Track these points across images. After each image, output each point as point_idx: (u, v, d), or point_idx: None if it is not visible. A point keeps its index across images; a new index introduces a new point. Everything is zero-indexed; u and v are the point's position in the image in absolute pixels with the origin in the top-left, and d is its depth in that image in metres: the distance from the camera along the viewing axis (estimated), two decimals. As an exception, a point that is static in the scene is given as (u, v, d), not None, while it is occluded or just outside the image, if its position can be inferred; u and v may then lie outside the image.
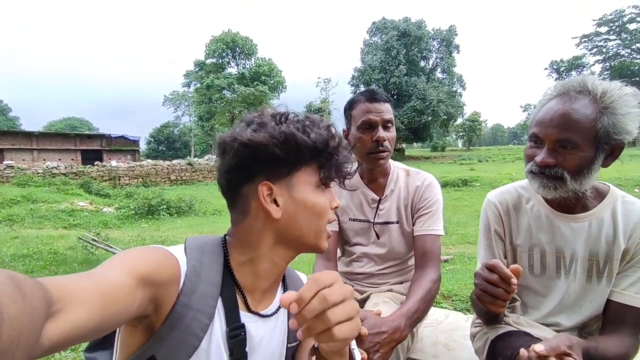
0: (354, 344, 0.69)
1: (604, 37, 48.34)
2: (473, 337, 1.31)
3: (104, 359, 0.75)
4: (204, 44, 47.38)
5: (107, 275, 0.53)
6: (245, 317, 0.73)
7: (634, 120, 0.93)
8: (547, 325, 1.14)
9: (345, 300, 0.52)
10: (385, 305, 1.33)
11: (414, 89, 37.85)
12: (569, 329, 1.11)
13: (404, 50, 39.47)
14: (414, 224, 1.44)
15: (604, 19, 46.94)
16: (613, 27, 46.93)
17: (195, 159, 24.99)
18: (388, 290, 1.48)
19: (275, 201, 0.71)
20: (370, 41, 43.45)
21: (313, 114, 0.78)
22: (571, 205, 1.07)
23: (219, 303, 0.70)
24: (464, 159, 33.28)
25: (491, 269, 0.85)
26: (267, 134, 0.69)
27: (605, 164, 0.99)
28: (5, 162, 17.25)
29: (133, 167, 19.53)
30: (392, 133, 1.42)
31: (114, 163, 20.96)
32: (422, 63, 42.62)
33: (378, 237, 1.48)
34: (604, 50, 48.62)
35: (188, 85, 51.20)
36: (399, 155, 38.17)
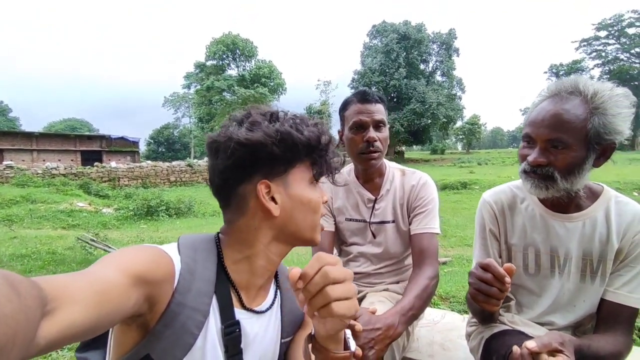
0: (348, 333, 0.71)
1: (603, 41, 48.61)
2: (468, 336, 1.32)
3: (96, 359, 0.76)
4: (204, 45, 47.62)
5: (102, 274, 0.53)
6: (239, 314, 0.74)
7: (625, 120, 0.95)
8: (542, 324, 1.15)
9: (345, 281, 0.56)
10: (380, 304, 1.34)
11: (413, 92, 37.92)
12: (563, 328, 1.12)
13: (404, 53, 39.57)
14: (410, 223, 1.45)
15: (603, 23, 47.22)
16: (612, 32, 47.19)
17: (195, 160, 25.00)
18: (384, 290, 1.49)
19: (273, 199, 0.72)
20: (370, 44, 43.57)
21: (302, 113, 0.80)
22: (565, 205, 1.09)
23: (214, 300, 0.70)
24: (464, 162, 33.32)
25: (485, 268, 0.85)
26: (263, 133, 0.69)
27: (596, 164, 1.00)
28: (4, 163, 17.25)
29: (132, 168, 19.51)
30: (383, 133, 1.42)
31: (113, 164, 20.97)
32: (422, 66, 42.71)
33: (374, 236, 1.49)
34: (603, 54, 48.85)
35: (188, 86, 51.31)
36: (399, 157, 38.19)
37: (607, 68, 48.25)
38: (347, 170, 1.59)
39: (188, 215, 11.32)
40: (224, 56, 46.76)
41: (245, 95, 36.62)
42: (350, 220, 1.52)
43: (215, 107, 42.70)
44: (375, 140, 1.38)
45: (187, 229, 9.10)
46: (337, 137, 1.53)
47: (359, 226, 1.52)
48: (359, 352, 0.70)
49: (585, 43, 49.75)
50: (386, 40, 39.80)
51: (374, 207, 1.49)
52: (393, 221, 1.48)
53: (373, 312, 1.11)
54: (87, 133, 42.87)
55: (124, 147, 34.75)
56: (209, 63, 47.50)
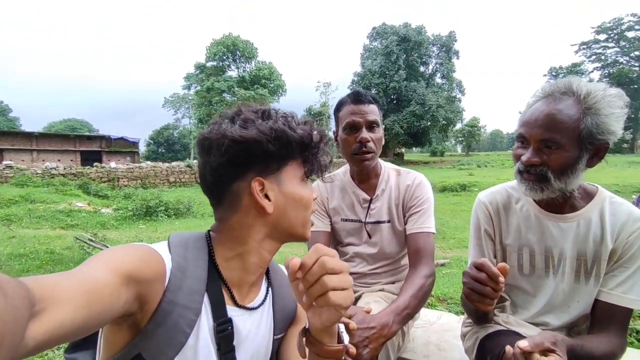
0: (342, 327, 0.71)
1: (603, 44, 48.74)
2: (463, 336, 1.32)
3: None
4: (204, 46, 47.75)
5: (91, 273, 0.53)
6: (231, 311, 0.74)
7: (618, 120, 0.95)
8: (536, 324, 1.15)
9: (341, 272, 0.57)
10: (376, 304, 1.34)
11: (413, 94, 38.00)
12: (558, 328, 1.12)
13: (404, 56, 39.66)
14: (405, 223, 1.45)
15: (602, 26, 47.35)
16: (612, 35, 47.32)
17: (195, 161, 24.94)
18: (380, 290, 1.49)
19: (266, 196, 0.72)
20: (370, 46, 43.69)
21: (292, 112, 0.80)
22: (560, 205, 1.09)
23: (205, 298, 0.70)
24: (463, 164, 33.38)
25: (479, 267, 0.86)
26: (257, 131, 0.69)
27: (590, 164, 1.00)
28: (4, 162, 17.22)
29: (132, 168, 19.49)
30: (377, 134, 1.42)
31: (113, 164, 20.95)
32: (422, 68, 42.83)
33: (370, 236, 1.49)
34: (603, 57, 48.98)
35: (188, 87, 51.32)
36: (398, 159, 38.24)
37: (607, 71, 48.34)
38: (343, 171, 1.59)
39: (187, 215, 11.31)
40: (224, 57, 46.80)
41: (245, 96, 36.72)
42: (345, 220, 1.52)
43: (215, 108, 42.66)
44: (368, 141, 1.38)
45: (185, 230, 8.99)
46: (333, 137, 1.54)
47: (354, 226, 1.52)
48: (353, 350, 0.70)
49: (584, 46, 49.88)
50: (386, 42, 39.92)
51: (369, 207, 1.49)
52: (388, 221, 1.48)
53: (368, 312, 1.11)
54: (87, 133, 42.82)
55: (124, 147, 34.73)
56: (209, 64, 47.53)
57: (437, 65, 43.59)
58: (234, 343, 0.73)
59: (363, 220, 1.49)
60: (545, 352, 0.83)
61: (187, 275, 0.68)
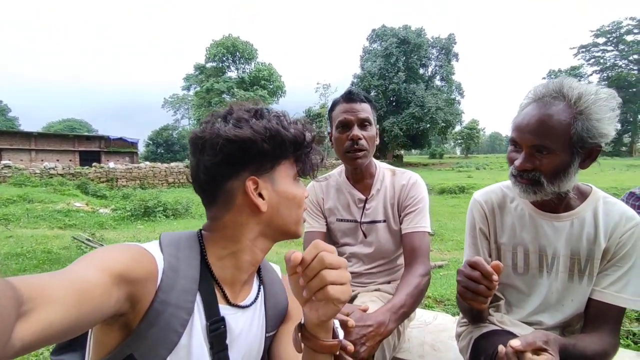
0: (337, 322, 0.72)
1: (602, 48, 48.96)
2: (458, 336, 1.32)
3: None
4: (204, 46, 47.79)
5: (82, 272, 0.52)
6: (224, 309, 0.74)
7: (610, 123, 0.95)
8: (530, 324, 1.16)
9: (340, 268, 0.58)
10: (372, 304, 1.34)
11: (412, 96, 38.03)
12: (552, 327, 1.12)
13: (403, 58, 39.73)
14: (401, 222, 1.45)
15: (601, 30, 47.56)
16: (610, 38, 47.54)
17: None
18: (376, 290, 1.49)
19: (260, 195, 0.73)
20: (370, 48, 43.76)
21: (284, 110, 0.80)
22: (554, 205, 1.10)
23: (198, 298, 0.70)
24: (462, 166, 33.42)
25: (473, 266, 0.86)
26: (252, 130, 0.70)
27: (583, 166, 1.01)
28: (2, 162, 17.16)
29: (131, 169, 19.47)
30: (369, 132, 1.43)
31: (111, 164, 20.93)
32: (421, 70, 42.88)
33: (365, 236, 1.49)
34: (602, 61, 49.19)
35: (188, 88, 51.41)
36: (397, 161, 38.26)
37: (606, 74, 48.55)
38: (338, 172, 1.59)
39: (185, 216, 11.29)
40: (224, 58, 46.89)
41: (245, 97, 36.70)
42: (341, 220, 1.53)
43: (214, 109, 42.61)
44: (360, 139, 1.39)
45: (184, 230, 9.02)
46: (327, 138, 1.54)
47: (350, 226, 1.52)
48: (351, 347, 0.71)
49: (583, 49, 50.11)
50: (386, 44, 39.98)
51: (364, 206, 1.49)
52: (384, 220, 1.48)
53: (365, 310, 1.11)
54: (86, 133, 42.75)
55: (123, 147, 34.68)
56: (208, 65, 47.62)
57: (436, 68, 43.65)
58: (227, 341, 0.73)
59: (358, 220, 1.50)
60: (538, 351, 0.84)
61: (179, 274, 0.68)
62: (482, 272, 0.84)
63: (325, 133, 1.57)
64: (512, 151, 1.07)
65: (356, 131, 1.39)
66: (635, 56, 45.87)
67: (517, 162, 1.02)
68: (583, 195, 1.11)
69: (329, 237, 1.58)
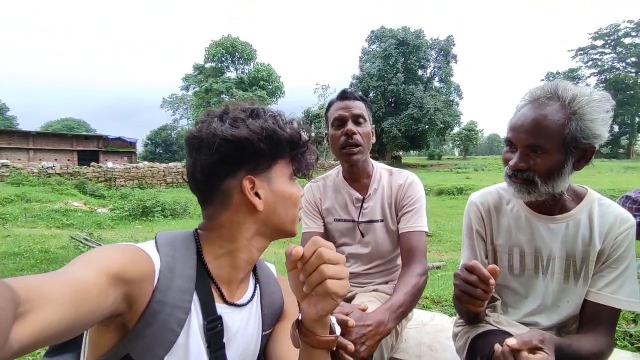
0: (334, 319, 0.72)
1: (600, 50, 49.15)
2: (455, 336, 1.33)
3: None
4: (204, 47, 47.72)
5: (79, 273, 0.52)
6: (221, 308, 0.74)
7: (603, 125, 0.96)
8: (527, 325, 1.16)
9: (338, 264, 0.60)
10: (370, 304, 1.34)
11: (411, 98, 38.09)
12: (548, 328, 1.13)
13: (403, 59, 39.79)
14: (398, 222, 1.46)
15: (600, 33, 47.74)
16: (609, 41, 47.73)
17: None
18: (374, 291, 1.50)
19: (257, 194, 0.73)
20: (369, 49, 43.83)
21: (279, 110, 0.81)
22: (550, 207, 1.10)
23: (195, 297, 0.70)
24: (460, 167, 33.48)
25: (470, 270, 0.87)
26: (249, 130, 0.70)
27: (577, 167, 1.02)
28: (0, 161, 17.10)
29: (129, 169, 19.42)
30: (364, 128, 1.44)
31: (110, 164, 20.89)
32: (420, 72, 42.92)
33: (363, 236, 1.50)
34: (600, 63, 49.37)
35: (187, 88, 51.41)
36: (396, 162, 38.28)
37: (604, 77, 48.73)
38: (336, 172, 1.60)
39: (184, 216, 11.29)
40: (223, 59, 46.91)
41: (244, 98, 36.66)
42: (339, 220, 1.53)
43: (210, 109, 42.56)
44: (355, 133, 1.40)
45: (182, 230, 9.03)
46: (324, 138, 1.56)
47: (347, 226, 1.52)
48: (352, 347, 0.71)
49: (582, 52, 50.29)
50: (385, 46, 40.04)
51: (362, 206, 1.50)
52: (382, 220, 1.49)
53: (364, 310, 1.12)
54: (85, 133, 42.66)
55: (122, 147, 34.61)
56: (208, 65, 47.64)
57: (435, 69, 43.71)
58: (224, 340, 0.74)
59: (356, 220, 1.50)
60: (534, 350, 0.84)
61: (176, 274, 0.68)
62: (480, 276, 0.85)
63: (324, 135, 1.58)
64: (507, 152, 1.08)
65: (350, 126, 1.41)
66: (633, 59, 46.07)
67: (512, 162, 1.03)
68: (578, 198, 1.12)
69: (327, 238, 1.58)
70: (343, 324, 0.79)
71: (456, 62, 43.52)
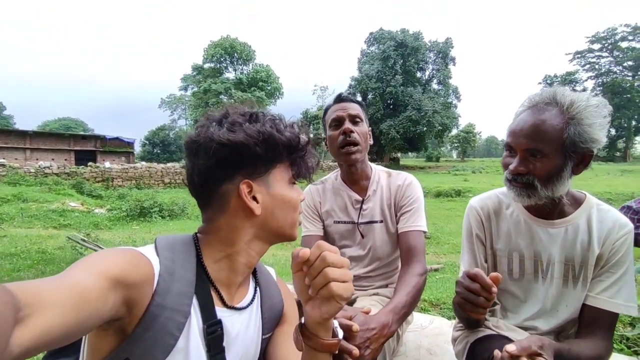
0: (336, 323, 0.72)
1: (597, 54, 49.45)
2: (454, 340, 1.33)
3: None
4: (202, 47, 47.58)
5: (78, 277, 0.52)
6: (221, 312, 0.74)
7: (601, 129, 0.98)
8: (526, 329, 1.17)
9: (342, 267, 0.61)
10: (372, 307, 1.34)
11: (409, 99, 38.16)
12: (547, 332, 1.14)
13: (401, 61, 39.87)
14: (397, 223, 1.47)
15: (596, 36, 48.05)
16: (606, 45, 48.02)
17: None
18: (374, 294, 1.50)
19: (254, 198, 0.74)
20: (368, 51, 43.91)
21: (279, 113, 0.82)
22: (548, 211, 1.11)
23: (194, 301, 0.70)
24: (458, 169, 33.55)
25: (473, 278, 0.87)
26: (245, 134, 0.71)
27: (576, 172, 1.03)
28: (-4, 161, 17.03)
29: (127, 169, 19.36)
30: (361, 128, 1.47)
31: (107, 164, 20.80)
32: (419, 74, 43.01)
33: (363, 237, 1.51)
34: (597, 67, 49.67)
35: (185, 88, 51.34)
36: (394, 164, 38.32)
37: (601, 80, 49.01)
38: (334, 175, 1.61)
39: (181, 217, 11.27)
40: (222, 59, 46.86)
41: (242, 98, 36.62)
42: (338, 222, 1.54)
43: (210, 111, 42.49)
44: (352, 132, 1.42)
45: (180, 231, 9.04)
46: (323, 142, 1.57)
47: (347, 228, 1.53)
48: (356, 351, 0.72)
49: (579, 55, 50.56)
50: (383, 47, 40.10)
51: (361, 207, 1.51)
52: (381, 221, 1.49)
53: (367, 312, 1.12)
54: (82, 133, 42.51)
55: (119, 147, 34.53)
56: (206, 66, 47.58)
57: (433, 71, 43.79)
58: (224, 344, 0.74)
59: (356, 221, 1.51)
60: (533, 355, 0.85)
61: (175, 278, 0.68)
62: (482, 284, 0.85)
63: (322, 138, 1.59)
64: (507, 156, 1.09)
65: (347, 125, 1.43)
66: (630, 62, 46.35)
67: (511, 166, 1.05)
68: (577, 202, 1.13)
69: (326, 240, 1.58)
70: (347, 328, 0.80)
71: (454, 64, 43.69)
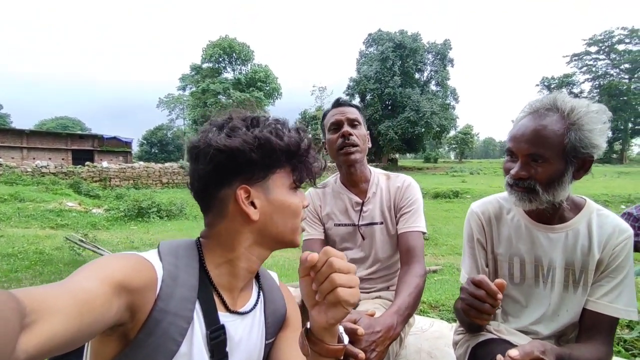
0: (341, 328, 0.73)
1: (594, 56, 49.69)
2: (455, 344, 1.34)
3: None
4: (201, 47, 47.47)
5: (82, 283, 0.53)
6: (223, 317, 0.74)
7: (601, 135, 1.00)
8: (526, 333, 1.18)
9: (349, 273, 0.62)
10: (375, 311, 1.35)
11: (408, 100, 38.22)
12: (547, 337, 1.15)
13: (399, 62, 39.93)
14: (397, 223, 1.49)
15: (594, 39, 48.29)
16: (602, 47, 48.27)
17: (188, 162, 24.78)
18: (377, 297, 1.51)
19: (252, 203, 0.74)
20: (366, 52, 43.98)
21: (283, 117, 0.82)
22: (549, 216, 1.13)
23: (197, 306, 0.71)
24: (456, 171, 33.60)
25: (478, 284, 0.87)
26: (241, 140, 0.71)
27: (577, 177, 1.05)
28: (-7, 160, 16.93)
29: (124, 168, 19.27)
30: (360, 131, 1.50)
31: (105, 164, 20.71)
32: (417, 75, 43.11)
33: (363, 238, 1.52)
34: (594, 69, 49.91)
35: (183, 88, 51.16)
36: (392, 165, 38.38)
37: (597, 83, 49.28)
38: (334, 178, 1.63)
39: (179, 217, 11.22)
40: (220, 59, 46.70)
41: (241, 98, 36.64)
42: (339, 225, 1.55)
43: (210, 110, 42.44)
44: (351, 134, 1.45)
45: (178, 231, 9.02)
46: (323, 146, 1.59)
47: (348, 230, 1.54)
48: (362, 355, 0.73)
49: (576, 57, 50.78)
50: (382, 49, 40.15)
51: (361, 209, 1.52)
52: (381, 222, 1.51)
53: (372, 315, 1.12)
54: (79, 132, 42.32)
55: (117, 147, 34.41)
56: (205, 65, 47.41)
57: (432, 73, 43.86)
58: (227, 349, 0.74)
59: (356, 223, 1.52)
60: None
61: (178, 283, 0.69)
62: (487, 290, 0.85)
63: (321, 142, 1.61)
64: (508, 161, 1.10)
65: (346, 128, 1.46)
66: (627, 65, 46.62)
67: (513, 171, 1.06)
68: (577, 208, 1.14)
69: (327, 244, 1.59)
70: (352, 331, 0.80)
71: (452, 66, 43.78)
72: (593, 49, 49.14)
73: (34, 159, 25.71)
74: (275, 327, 0.87)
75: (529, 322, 1.17)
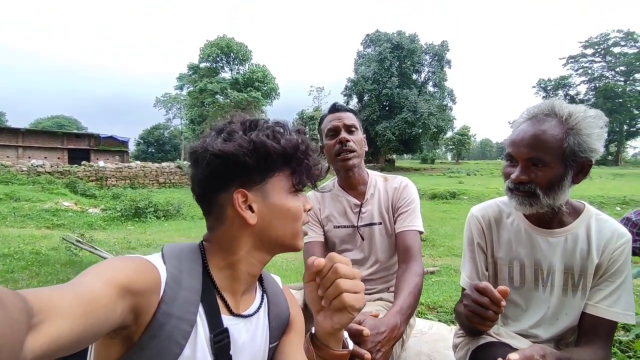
0: (346, 334, 0.74)
1: (590, 58, 50.07)
2: (455, 347, 1.35)
3: None
4: (199, 47, 47.27)
5: (87, 285, 0.53)
6: (227, 320, 0.74)
7: (598, 139, 1.02)
8: (526, 336, 1.19)
9: (354, 279, 0.63)
10: (379, 312, 1.36)
11: (405, 101, 38.32)
12: (546, 340, 1.16)
13: (397, 63, 40.02)
14: (395, 224, 1.50)
15: (589, 41, 48.65)
16: (598, 50, 48.63)
17: (185, 162, 24.72)
18: (378, 299, 1.52)
19: (250, 207, 0.74)
20: (364, 52, 44.05)
21: (284, 119, 0.82)
22: (548, 220, 1.14)
23: (200, 309, 0.71)
24: (453, 172, 33.70)
25: (482, 291, 0.88)
26: (237, 144, 0.71)
27: (576, 181, 1.06)
28: (-12, 159, 16.83)
29: (121, 168, 19.21)
30: (356, 136, 1.52)
31: (101, 163, 20.61)
32: (415, 76, 43.24)
33: (363, 239, 1.53)
34: (590, 71, 50.28)
35: (181, 88, 50.95)
36: (389, 166, 38.46)
37: (593, 85, 49.66)
38: (332, 183, 1.65)
39: (177, 217, 11.19)
40: (218, 59, 46.55)
41: (238, 98, 36.54)
42: (338, 227, 1.56)
43: (207, 109, 42.37)
44: (348, 140, 1.47)
45: (175, 231, 9.00)
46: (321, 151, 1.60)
47: (347, 232, 1.55)
48: (368, 356, 0.74)
49: (572, 60, 51.15)
50: (379, 49, 40.22)
51: (360, 210, 1.54)
52: (380, 223, 1.53)
53: (376, 316, 1.13)
54: (75, 131, 42.13)
55: (113, 146, 34.26)
56: (202, 65, 47.24)
57: (429, 74, 44.02)
58: (231, 352, 0.74)
59: (355, 224, 1.54)
60: None
61: (182, 286, 0.69)
62: (491, 298, 0.86)
63: (319, 146, 1.62)
64: (507, 166, 1.12)
65: (343, 134, 1.48)
66: (622, 67, 46.99)
67: (513, 175, 1.07)
68: (576, 212, 1.15)
69: (327, 246, 1.60)
70: (357, 333, 0.81)
71: (450, 67, 43.96)
72: (589, 51, 49.55)
73: (29, 158, 25.55)
74: (279, 330, 0.87)
75: (528, 326, 1.19)
